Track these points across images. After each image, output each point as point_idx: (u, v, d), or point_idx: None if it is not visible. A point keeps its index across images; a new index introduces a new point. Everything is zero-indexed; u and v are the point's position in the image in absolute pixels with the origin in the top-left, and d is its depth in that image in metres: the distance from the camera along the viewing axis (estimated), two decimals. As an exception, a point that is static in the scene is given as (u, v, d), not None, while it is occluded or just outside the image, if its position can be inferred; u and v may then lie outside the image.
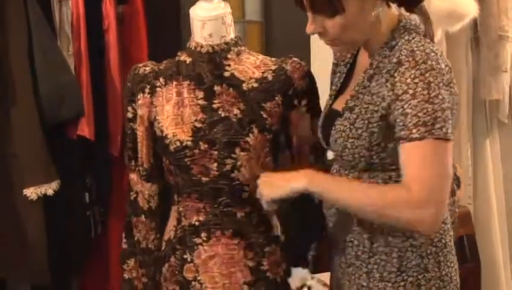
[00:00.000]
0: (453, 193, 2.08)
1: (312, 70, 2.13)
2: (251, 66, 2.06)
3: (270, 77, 2.04)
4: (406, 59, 1.81)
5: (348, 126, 1.90)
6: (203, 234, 2.04)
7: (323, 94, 2.15)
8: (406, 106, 1.79)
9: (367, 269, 1.95)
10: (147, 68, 2.10)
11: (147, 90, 2.07)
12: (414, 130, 1.77)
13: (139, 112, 2.08)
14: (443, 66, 1.82)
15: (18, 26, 2.55)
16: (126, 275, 2.19)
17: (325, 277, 2.66)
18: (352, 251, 1.98)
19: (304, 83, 2.07)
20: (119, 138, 2.75)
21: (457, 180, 2.12)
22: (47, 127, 2.61)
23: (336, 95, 2.05)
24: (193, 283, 2.05)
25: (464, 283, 3.14)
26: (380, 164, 1.90)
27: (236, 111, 2.01)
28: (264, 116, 2.02)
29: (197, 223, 2.05)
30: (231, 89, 2.03)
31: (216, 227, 2.04)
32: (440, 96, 1.78)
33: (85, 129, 2.68)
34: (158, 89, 2.07)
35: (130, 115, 2.11)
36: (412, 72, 1.79)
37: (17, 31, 2.56)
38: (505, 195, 3.79)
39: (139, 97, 2.08)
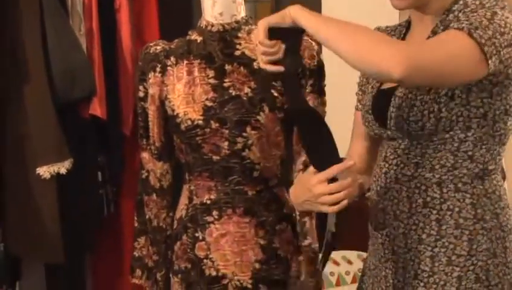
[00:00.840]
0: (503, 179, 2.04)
1: (322, 51, 2.11)
2: None
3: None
4: (473, 2, 1.75)
5: (413, 89, 1.80)
6: (215, 213, 2.05)
7: (333, 71, 2.15)
8: (462, 16, 1.72)
9: (432, 253, 1.84)
10: (158, 47, 2.10)
11: (158, 69, 2.07)
12: (464, 24, 1.67)
13: (150, 91, 2.08)
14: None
15: (31, 7, 2.56)
16: (136, 253, 2.21)
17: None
18: (416, 235, 1.86)
19: (312, 62, 2.06)
20: (131, 117, 2.77)
21: (502, 173, 2.06)
22: (60, 106, 2.62)
23: None
24: (205, 260, 2.05)
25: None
26: (448, 119, 1.79)
27: (247, 90, 2.01)
28: (275, 94, 2.02)
29: (208, 202, 2.05)
30: (242, 68, 2.02)
31: (227, 205, 2.04)
32: (503, 24, 1.69)
33: (97, 108, 2.70)
34: (169, 68, 2.07)
35: (141, 94, 2.11)
36: (478, 11, 1.70)
37: (30, 11, 2.57)
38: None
39: (150, 76, 2.08)
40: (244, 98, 2.00)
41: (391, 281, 1.88)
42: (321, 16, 1.76)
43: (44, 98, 2.58)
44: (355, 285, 2.10)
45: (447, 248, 1.81)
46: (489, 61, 1.67)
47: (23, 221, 2.62)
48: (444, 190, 1.82)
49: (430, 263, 1.83)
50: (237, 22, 2.05)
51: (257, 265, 2.04)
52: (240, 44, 2.04)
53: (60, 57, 2.61)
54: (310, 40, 2.06)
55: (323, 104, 2.09)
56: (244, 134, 1.99)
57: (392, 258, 1.89)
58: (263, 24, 1.74)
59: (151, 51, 2.09)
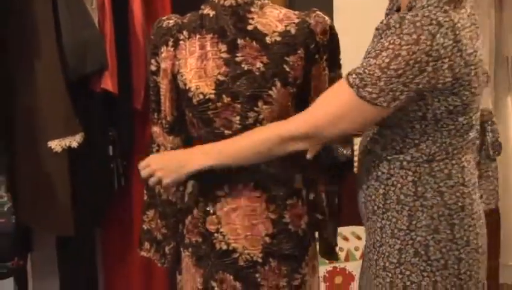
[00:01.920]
0: (489, 159, 2.09)
1: (335, 24, 2.12)
2: (274, 19, 2.04)
3: (293, 31, 2.03)
4: (394, 25, 1.80)
5: None
6: (226, 187, 2.06)
7: (346, 48, 2.15)
8: (365, 61, 1.83)
9: (380, 224, 1.97)
10: (171, 21, 2.10)
11: (170, 43, 2.07)
12: (351, 77, 1.82)
13: (163, 65, 2.08)
14: (441, 41, 1.77)
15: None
16: (145, 226, 2.22)
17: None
18: (370, 205, 2.00)
19: (325, 37, 2.06)
20: (143, 92, 2.77)
21: (499, 146, 2.11)
22: (71, 80, 2.63)
23: None
24: (215, 234, 2.06)
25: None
26: (392, 119, 1.90)
27: (259, 64, 2.01)
28: (287, 69, 2.02)
29: (219, 176, 2.05)
30: (254, 42, 2.02)
31: (238, 180, 2.05)
32: (400, 72, 1.77)
33: (108, 82, 2.70)
34: (181, 42, 2.07)
35: (153, 68, 2.11)
36: (393, 38, 1.78)
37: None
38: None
39: (162, 50, 2.08)
40: (257, 73, 2.00)
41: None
42: (214, 148, 2.00)
43: (56, 73, 2.59)
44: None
45: (391, 221, 1.94)
46: (392, 105, 1.82)
47: (34, 194, 2.64)
48: (391, 166, 1.94)
49: (380, 234, 1.97)
50: None
51: (267, 239, 2.05)
52: (252, 18, 2.03)
53: (72, 31, 2.61)
54: (322, 15, 2.06)
55: (340, 76, 2.08)
56: (256, 108, 2.00)
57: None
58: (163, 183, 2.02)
59: (163, 25, 2.10)
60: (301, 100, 2.07)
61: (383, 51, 1.78)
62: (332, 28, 2.08)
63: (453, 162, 1.93)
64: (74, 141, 2.61)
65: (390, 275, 1.95)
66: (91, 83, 2.72)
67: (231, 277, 2.06)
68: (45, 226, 2.71)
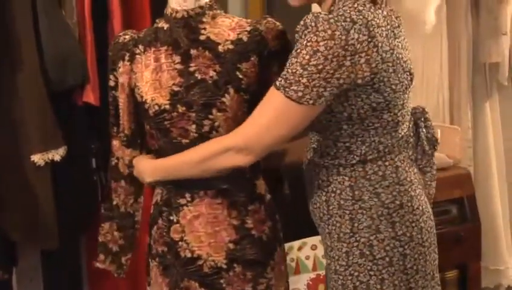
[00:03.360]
0: (425, 155, 2.14)
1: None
2: (226, 28, 2.07)
3: (245, 38, 2.06)
4: (310, 23, 1.87)
5: None
6: (187, 195, 2.08)
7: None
8: (288, 61, 1.89)
9: (328, 230, 2.06)
10: (127, 36, 2.14)
11: (126, 58, 2.11)
12: (278, 80, 1.90)
13: (120, 79, 2.13)
14: (355, 36, 1.85)
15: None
16: (100, 239, 2.26)
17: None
18: (317, 213, 2.08)
19: (277, 43, 2.08)
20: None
21: (435, 141, 2.17)
22: (53, 94, 2.65)
23: None
24: (180, 243, 2.09)
25: (465, 241, 3.22)
26: (321, 123, 1.99)
27: (212, 73, 2.03)
28: (240, 76, 2.04)
29: (180, 185, 2.08)
30: (207, 52, 2.04)
31: (199, 187, 2.07)
32: (320, 67, 1.84)
33: (90, 96, 2.72)
34: (137, 56, 2.10)
35: (112, 83, 2.16)
36: (310, 36, 1.86)
37: (22, 1, 2.58)
38: (505, 157, 3.82)
39: (119, 65, 2.13)
40: (209, 81, 2.03)
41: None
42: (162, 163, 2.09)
43: (38, 87, 2.61)
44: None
45: (335, 226, 2.03)
46: (317, 103, 1.88)
47: (18, 208, 2.66)
48: (330, 173, 2.03)
49: (329, 239, 2.05)
50: (201, 7, 2.07)
51: (231, 245, 2.07)
52: (204, 29, 2.07)
53: (53, 46, 2.63)
54: (273, 21, 2.10)
55: None
56: (211, 116, 2.03)
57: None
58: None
59: (120, 41, 2.14)
60: (255, 106, 2.06)
61: (303, 49, 1.85)
62: (284, 33, 2.10)
63: (386, 163, 2.01)
64: (57, 154, 2.63)
65: (341, 277, 2.02)
66: (73, 97, 2.74)
67: (196, 284, 2.08)
68: (30, 239, 2.72)
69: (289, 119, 1.90)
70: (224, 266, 2.07)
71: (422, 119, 2.14)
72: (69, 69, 2.66)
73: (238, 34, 2.06)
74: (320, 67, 1.84)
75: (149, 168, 2.11)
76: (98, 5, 2.76)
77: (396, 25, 1.98)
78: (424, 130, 2.13)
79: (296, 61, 1.86)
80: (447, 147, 3.32)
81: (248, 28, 2.07)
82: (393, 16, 1.99)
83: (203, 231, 2.07)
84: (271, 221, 2.13)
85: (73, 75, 2.68)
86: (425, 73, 3.56)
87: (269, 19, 2.11)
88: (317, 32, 1.84)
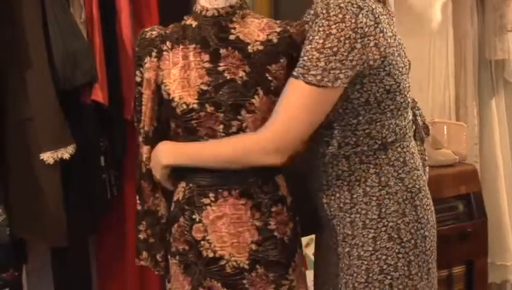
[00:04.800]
0: (422, 141, 2.24)
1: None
2: (256, 28, 2.07)
3: (274, 40, 2.05)
4: (321, 11, 1.96)
5: None
6: (211, 195, 2.07)
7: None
8: (303, 50, 1.97)
9: (350, 219, 2.09)
10: (154, 32, 2.12)
11: (153, 54, 2.10)
12: (295, 70, 1.97)
13: (146, 75, 2.11)
14: (364, 20, 1.95)
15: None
16: (141, 235, 2.23)
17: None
18: (335, 204, 2.10)
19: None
20: (132, 103, 2.79)
21: (427, 128, 2.23)
22: (62, 93, 2.65)
23: None
24: (202, 242, 2.08)
25: (472, 237, 3.23)
26: (338, 112, 2.05)
27: (241, 73, 2.03)
28: (269, 78, 2.04)
29: (204, 184, 2.08)
30: (236, 52, 2.04)
31: (223, 187, 2.07)
32: (335, 49, 1.93)
33: (99, 94, 2.72)
34: (165, 53, 2.09)
35: (138, 78, 2.14)
36: (322, 21, 1.95)
37: (31, 0, 2.59)
38: (511, 153, 3.83)
39: (146, 61, 2.11)
40: (239, 82, 2.02)
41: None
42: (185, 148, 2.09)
43: (47, 85, 2.61)
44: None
45: (360, 214, 2.08)
46: (336, 85, 1.95)
47: (28, 206, 2.66)
48: (351, 162, 2.08)
49: (350, 228, 2.09)
50: (231, 6, 2.07)
51: (253, 246, 2.07)
52: (234, 28, 2.06)
53: (61, 45, 2.63)
54: (303, 24, 2.08)
55: None
56: (239, 117, 2.02)
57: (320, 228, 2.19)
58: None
59: (146, 36, 2.12)
60: None
61: (315, 35, 1.95)
62: None
63: (404, 149, 2.10)
64: (66, 152, 2.63)
65: (365, 262, 2.07)
66: (82, 95, 2.74)
67: (219, 284, 2.07)
68: (39, 237, 2.72)
69: (313, 104, 1.97)
70: (247, 267, 2.06)
71: (416, 107, 2.25)
72: (77, 68, 2.66)
73: (267, 34, 2.06)
74: (335, 49, 1.93)
75: (168, 149, 2.10)
76: (106, 4, 2.76)
77: (392, 15, 2.14)
78: (419, 118, 2.24)
79: (311, 48, 1.95)
80: (454, 143, 3.33)
81: (278, 29, 2.07)
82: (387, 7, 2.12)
83: (226, 231, 2.06)
84: (293, 223, 2.13)
85: (81, 74, 2.67)
86: (432, 70, 3.57)
87: (299, 21, 2.10)
88: (329, 17, 1.94)
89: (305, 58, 1.95)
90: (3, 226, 2.62)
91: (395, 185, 2.08)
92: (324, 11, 1.95)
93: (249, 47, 2.04)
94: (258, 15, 2.13)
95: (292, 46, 2.06)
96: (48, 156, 2.61)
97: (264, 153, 1.99)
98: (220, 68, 2.04)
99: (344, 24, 1.93)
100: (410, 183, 2.09)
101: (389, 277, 2.07)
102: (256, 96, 2.02)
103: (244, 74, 2.03)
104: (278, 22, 2.11)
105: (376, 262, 2.06)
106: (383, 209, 2.06)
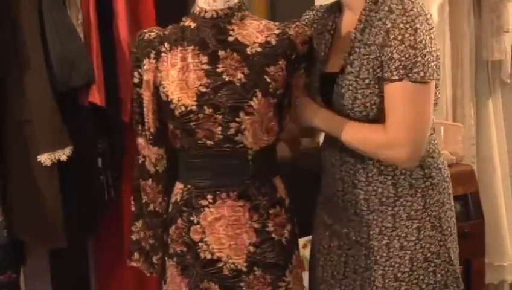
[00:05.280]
0: None
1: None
2: (255, 30, 2.07)
3: (273, 42, 2.06)
4: (396, 7, 2.01)
5: (354, 79, 2.05)
6: (209, 196, 2.08)
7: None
8: (394, 51, 1.99)
9: (393, 212, 2.14)
10: (152, 34, 2.12)
11: (152, 56, 2.10)
12: (395, 73, 1.99)
13: (145, 77, 2.11)
14: (426, 11, 2.02)
15: (28, -2, 2.60)
16: (134, 237, 2.25)
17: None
18: (376, 199, 2.13)
19: (306, 48, 2.09)
20: (129, 104, 2.79)
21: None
22: (59, 95, 2.64)
23: (324, 60, 2.17)
24: (200, 244, 2.08)
25: (469, 238, 3.24)
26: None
27: (240, 75, 2.03)
28: (268, 80, 2.04)
29: (202, 186, 2.09)
30: (235, 54, 2.04)
31: (221, 189, 2.07)
32: (424, 42, 1.98)
33: (96, 96, 2.71)
34: (163, 54, 2.09)
35: (136, 80, 2.14)
36: (402, 18, 1.99)
37: (28, 2, 2.59)
38: (508, 153, 3.84)
39: (144, 62, 2.11)
40: (237, 84, 2.02)
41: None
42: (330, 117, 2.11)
43: (44, 87, 2.60)
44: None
45: (405, 206, 2.14)
46: (435, 77, 2.05)
47: (26, 207, 2.65)
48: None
49: (392, 220, 2.14)
50: (230, 8, 2.07)
51: (251, 248, 2.08)
52: (233, 30, 2.06)
53: (58, 46, 2.62)
54: (302, 26, 2.10)
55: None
56: (238, 119, 2.02)
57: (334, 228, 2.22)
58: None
59: (145, 38, 2.12)
60: (282, 109, 2.10)
61: (404, 33, 1.98)
62: (311, 38, 2.10)
63: (435, 141, 2.20)
64: (63, 154, 2.62)
65: (409, 252, 2.14)
66: (79, 97, 2.73)
67: (216, 286, 2.08)
68: (37, 239, 2.72)
69: (425, 101, 2.02)
70: (245, 269, 2.07)
71: None
72: (74, 70, 2.65)
73: (266, 36, 2.06)
74: (424, 42, 1.99)
75: (320, 114, 2.13)
76: (103, 5, 2.75)
77: None
78: None
79: (405, 46, 1.98)
80: (451, 144, 3.33)
81: (276, 31, 2.07)
82: None
83: (224, 233, 2.07)
84: (291, 224, 2.14)
85: (79, 76, 2.67)
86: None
87: (298, 23, 2.11)
88: (407, 13, 1.99)
89: (402, 58, 1.98)
90: (1, 227, 2.61)
91: (436, 176, 2.17)
92: (400, 7, 2.00)
93: (248, 49, 2.04)
94: (257, 17, 2.14)
95: (290, 48, 2.06)
96: (45, 158, 2.60)
97: (396, 152, 2.04)
98: (219, 70, 2.04)
99: (422, 17, 1.99)
100: (445, 172, 2.21)
101: (432, 264, 2.16)
102: (254, 99, 2.02)
103: (242, 76, 2.03)
104: (276, 24, 2.11)
105: (420, 251, 2.14)
106: (428, 200, 2.14)
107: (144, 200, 2.21)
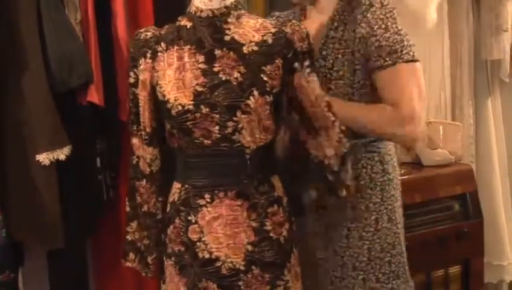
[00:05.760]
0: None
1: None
2: (251, 29, 2.06)
3: (270, 40, 2.05)
4: (375, 1, 2.25)
5: (328, 72, 2.23)
6: (207, 196, 2.07)
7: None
8: (380, 39, 2.20)
9: (353, 204, 2.29)
10: (148, 33, 2.12)
11: (148, 55, 2.09)
12: (387, 58, 2.19)
13: (141, 76, 2.10)
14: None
15: (27, -3, 2.59)
16: (129, 237, 2.24)
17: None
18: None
19: (303, 44, 2.07)
20: (127, 104, 2.78)
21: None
22: (58, 94, 2.64)
23: None
24: (198, 243, 2.08)
25: (468, 237, 3.24)
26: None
27: (236, 74, 2.02)
28: (265, 79, 2.03)
29: (200, 185, 2.08)
30: (231, 53, 2.03)
31: (219, 189, 2.07)
32: (402, 29, 2.23)
33: (94, 95, 2.71)
34: (159, 54, 2.09)
35: (132, 80, 2.14)
36: (382, 10, 2.22)
37: (26, 2, 2.59)
38: (507, 152, 3.84)
39: (140, 62, 2.10)
40: (234, 83, 2.02)
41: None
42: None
43: (42, 87, 2.60)
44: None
45: (365, 199, 2.30)
46: (416, 56, 2.26)
47: (24, 207, 2.65)
48: (357, 152, 2.28)
49: (351, 211, 2.29)
50: (226, 7, 2.07)
51: (249, 247, 2.07)
52: (229, 29, 2.06)
53: (57, 46, 2.62)
54: (297, 24, 2.09)
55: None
56: (235, 118, 2.02)
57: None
58: None
59: (141, 37, 2.12)
60: (278, 108, 2.09)
61: (387, 22, 2.22)
62: (308, 35, 2.09)
63: (392, 142, 2.38)
64: (62, 153, 2.62)
65: (367, 242, 2.31)
66: (77, 96, 2.73)
67: (215, 286, 2.07)
68: (35, 239, 2.71)
69: (420, 77, 2.23)
70: (243, 268, 2.06)
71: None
72: (73, 69, 2.65)
73: (262, 35, 2.05)
74: (403, 30, 2.24)
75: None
76: (102, 5, 2.75)
77: None
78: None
79: (390, 33, 2.21)
80: (449, 143, 3.33)
81: (273, 30, 2.07)
82: None
83: (222, 233, 2.06)
84: (289, 223, 2.13)
85: (77, 75, 2.66)
86: (428, 70, 3.58)
87: (294, 21, 2.10)
88: (384, 6, 2.24)
89: (390, 44, 2.20)
90: (-1, 227, 2.61)
91: (392, 172, 2.33)
92: (378, 1, 2.24)
93: (244, 48, 2.04)
94: (254, 15, 2.13)
95: (287, 47, 2.05)
96: (43, 157, 2.60)
97: (405, 124, 2.18)
98: (215, 69, 2.03)
99: (395, 10, 2.25)
100: (398, 171, 2.38)
101: (388, 255, 2.32)
102: (251, 98, 2.02)
103: (239, 74, 2.02)
104: (273, 22, 2.11)
105: (377, 241, 2.31)
106: (385, 194, 2.31)
107: (138, 201, 2.20)
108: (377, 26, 2.21)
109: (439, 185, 3.21)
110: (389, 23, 2.21)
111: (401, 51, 2.20)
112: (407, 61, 2.20)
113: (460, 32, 3.61)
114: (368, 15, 2.22)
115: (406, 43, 2.21)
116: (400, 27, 2.21)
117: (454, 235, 3.21)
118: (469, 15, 3.65)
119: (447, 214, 3.25)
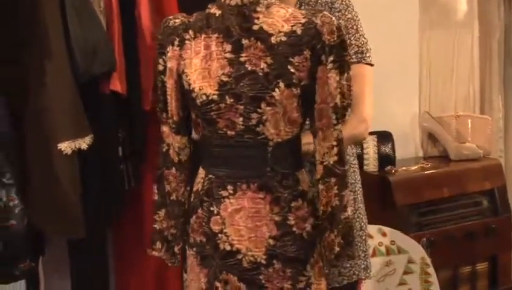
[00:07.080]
0: None
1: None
2: (280, 19, 2.01)
3: (299, 31, 1.99)
4: (349, 3, 2.41)
5: None
6: (229, 187, 2.04)
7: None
8: (351, 38, 2.37)
9: None
10: (177, 20, 2.09)
11: (176, 43, 2.07)
12: (354, 56, 2.35)
13: (169, 64, 2.08)
14: None
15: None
16: (157, 226, 2.21)
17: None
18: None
19: (332, 38, 2.00)
20: (151, 93, 2.77)
21: None
22: (80, 82, 2.63)
23: None
24: (219, 235, 2.05)
25: (496, 233, 3.20)
26: None
27: (263, 65, 1.98)
28: (292, 70, 1.99)
29: (223, 176, 2.05)
30: (259, 43, 1.99)
31: (241, 180, 2.04)
32: (360, 27, 2.40)
33: (117, 84, 2.71)
34: (187, 41, 2.06)
35: (160, 67, 2.11)
36: (352, 12, 2.39)
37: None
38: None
39: (168, 50, 2.08)
40: (260, 74, 1.98)
41: None
42: None
43: (65, 75, 2.59)
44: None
45: None
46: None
47: (45, 196, 2.64)
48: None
49: None
50: None
51: (271, 241, 2.03)
52: (258, 18, 2.01)
53: (80, 34, 2.61)
54: (328, 15, 2.02)
55: (348, 80, 2.04)
56: (259, 110, 1.99)
57: None
58: None
59: (170, 24, 2.09)
60: (307, 101, 2.03)
61: (357, 23, 2.39)
62: (339, 29, 2.02)
63: None
64: (84, 142, 2.62)
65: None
66: (100, 85, 2.72)
67: (235, 278, 2.05)
68: (56, 228, 2.71)
69: (372, 81, 2.38)
70: (264, 262, 2.03)
71: None
72: (96, 58, 2.64)
73: (292, 26, 2.00)
74: (361, 27, 2.40)
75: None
76: (125, -7, 2.75)
77: None
78: None
79: (359, 34, 2.38)
80: (478, 137, 3.29)
81: (302, 20, 2.00)
82: None
83: (244, 225, 2.03)
84: (313, 218, 2.08)
85: (100, 64, 2.66)
86: (456, 63, 3.54)
87: (325, 12, 2.03)
88: (350, 8, 2.39)
89: (358, 43, 2.37)
90: (20, 216, 2.60)
91: (355, 158, 2.54)
92: (349, 3, 2.40)
93: (272, 38, 1.99)
94: (284, 5, 2.07)
95: (316, 38, 1.99)
96: (65, 146, 2.59)
97: (364, 122, 2.36)
98: (242, 59, 2.00)
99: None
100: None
101: (364, 234, 2.51)
102: (277, 89, 1.98)
103: (265, 65, 1.98)
104: (303, 12, 2.06)
105: (358, 220, 2.49)
106: (356, 176, 2.52)
107: (166, 189, 2.18)
108: (350, 26, 2.37)
109: (467, 180, 3.17)
110: (358, 24, 2.38)
111: (366, 53, 2.37)
112: (369, 64, 2.38)
113: (490, 24, 3.56)
114: (346, 14, 2.39)
115: (368, 47, 2.38)
116: (362, 29, 2.39)
117: (482, 231, 3.17)
118: (500, 8, 3.60)
119: (475, 209, 3.22)
